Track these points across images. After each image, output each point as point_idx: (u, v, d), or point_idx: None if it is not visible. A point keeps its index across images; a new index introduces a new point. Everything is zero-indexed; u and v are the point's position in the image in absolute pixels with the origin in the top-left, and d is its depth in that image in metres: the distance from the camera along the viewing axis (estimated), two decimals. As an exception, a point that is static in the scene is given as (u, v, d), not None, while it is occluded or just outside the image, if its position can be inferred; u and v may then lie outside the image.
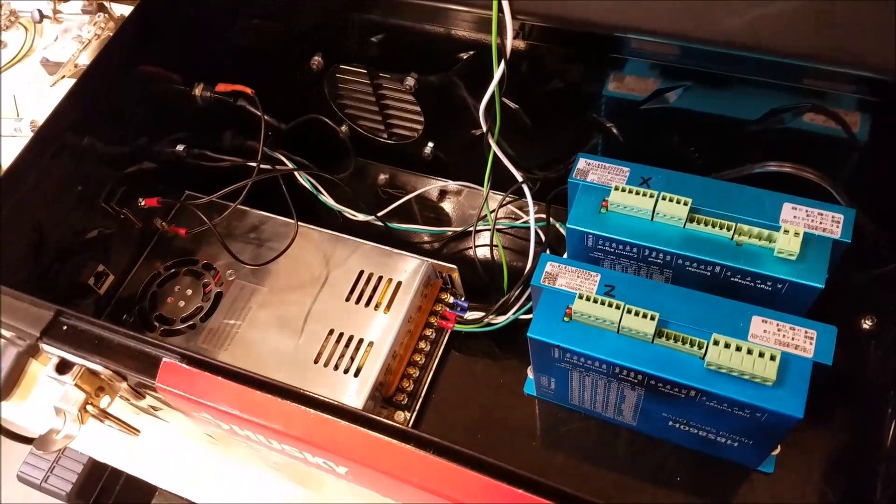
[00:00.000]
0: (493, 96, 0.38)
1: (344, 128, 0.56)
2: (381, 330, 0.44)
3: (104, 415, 0.38)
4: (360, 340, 0.44)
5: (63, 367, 0.36)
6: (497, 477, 0.27)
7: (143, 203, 0.49)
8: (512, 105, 0.45)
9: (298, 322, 0.46)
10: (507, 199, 0.51)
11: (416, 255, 0.47)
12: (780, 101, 0.37)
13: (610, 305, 0.35)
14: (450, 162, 0.55)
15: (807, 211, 0.36)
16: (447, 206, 0.57)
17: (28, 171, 0.41)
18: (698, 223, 0.37)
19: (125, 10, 0.70)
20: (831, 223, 0.35)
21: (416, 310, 0.46)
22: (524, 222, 0.53)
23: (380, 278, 0.47)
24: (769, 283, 0.36)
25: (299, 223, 0.49)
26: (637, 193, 0.37)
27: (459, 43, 0.43)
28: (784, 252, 0.35)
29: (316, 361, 0.44)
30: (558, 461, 0.43)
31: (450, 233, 0.54)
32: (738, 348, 0.33)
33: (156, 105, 0.48)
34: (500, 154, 0.43)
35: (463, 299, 0.49)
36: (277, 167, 0.52)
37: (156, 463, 0.50)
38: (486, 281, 0.51)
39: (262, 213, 0.51)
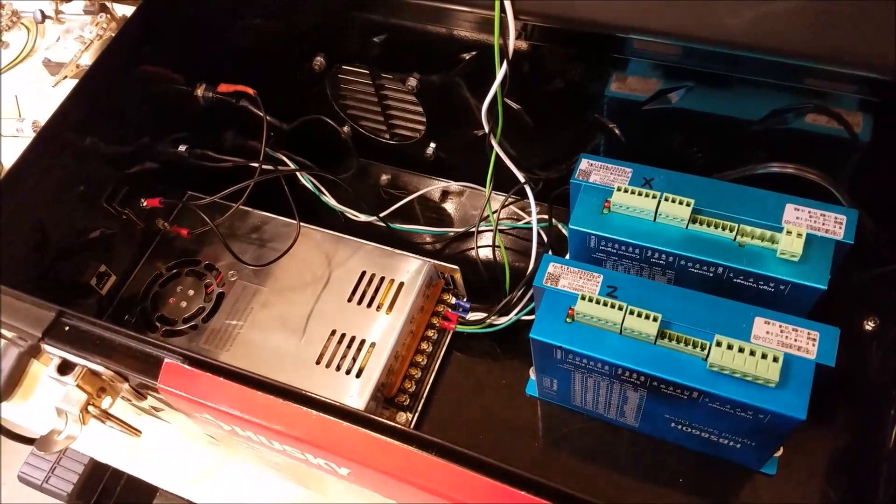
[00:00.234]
0: (495, 97, 0.38)
1: (346, 128, 0.56)
2: (382, 331, 0.44)
3: (105, 415, 0.38)
4: (362, 341, 0.44)
5: (64, 367, 0.36)
6: (499, 478, 0.26)
7: (145, 203, 0.49)
8: (514, 105, 0.45)
9: (300, 323, 0.46)
10: (510, 199, 0.51)
11: (418, 256, 0.47)
12: (783, 102, 0.37)
13: (612, 306, 0.35)
14: (452, 162, 0.55)
15: (809, 212, 0.36)
16: (449, 206, 0.57)
17: (30, 171, 0.41)
18: (701, 224, 0.37)
19: (127, 10, 0.70)
20: (834, 224, 0.35)
21: (418, 310, 0.46)
22: (526, 223, 0.53)
23: (382, 279, 0.47)
24: (771, 284, 0.35)
25: (301, 224, 0.49)
26: (639, 194, 0.37)
27: (461, 43, 0.43)
28: (786, 253, 0.35)
29: (318, 362, 0.44)
30: (560, 462, 0.43)
31: (452, 233, 0.54)
32: (741, 349, 0.33)
33: (158, 105, 0.48)
34: (502, 154, 0.43)
35: (465, 300, 0.49)
36: (279, 167, 0.52)
37: (157, 464, 0.50)
38: (488, 282, 0.51)
39: (264, 213, 0.51)
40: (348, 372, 0.43)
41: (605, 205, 0.38)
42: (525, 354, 0.40)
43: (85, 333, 0.35)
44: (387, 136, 0.56)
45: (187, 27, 0.49)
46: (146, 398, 0.39)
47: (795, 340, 0.33)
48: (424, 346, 0.47)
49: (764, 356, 0.32)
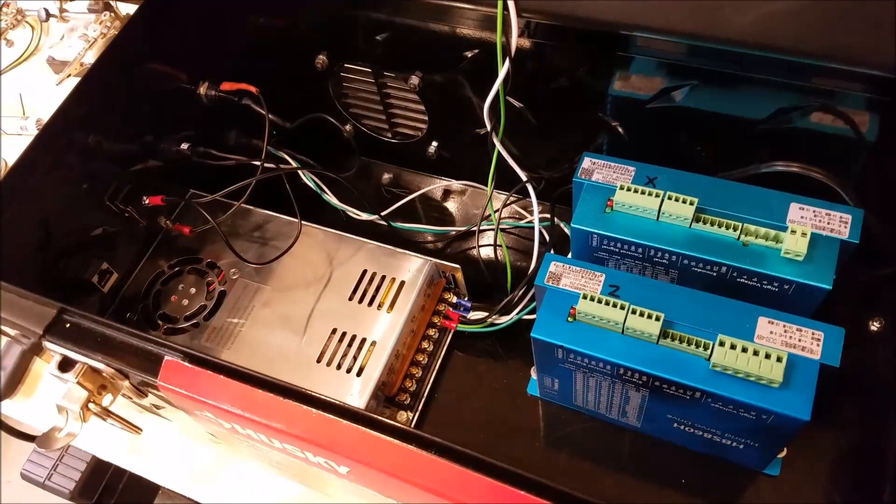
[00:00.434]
0: (497, 95, 0.38)
1: (348, 127, 0.56)
2: (384, 329, 0.44)
3: (106, 413, 0.38)
4: (363, 340, 0.44)
5: (65, 364, 0.36)
6: (499, 478, 0.26)
7: (147, 201, 0.49)
8: (517, 104, 0.45)
9: (301, 321, 0.46)
10: (511, 198, 0.51)
11: (419, 255, 0.47)
12: (788, 100, 0.37)
13: (614, 306, 0.35)
14: (454, 161, 0.55)
15: (814, 211, 0.35)
16: (451, 205, 0.56)
17: (32, 169, 0.42)
18: (704, 223, 0.36)
19: (131, 8, 0.70)
20: (839, 223, 0.35)
21: (419, 309, 0.46)
22: (528, 222, 0.52)
23: (383, 277, 0.46)
24: (776, 284, 0.35)
25: (303, 222, 0.49)
26: (642, 193, 0.37)
27: (464, 41, 0.43)
28: (791, 252, 0.34)
29: (319, 360, 0.44)
30: (561, 462, 0.43)
31: (453, 232, 0.54)
32: (745, 349, 0.32)
33: (160, 103, 0.48)
34: (504, 153, 0.43)
35: (466, 299, 0.48)
36: (281, 166, 0.52)
37: (158, 461, 0.50)
38: (490, 281, 0.51)
39: (266, 211, 0.51)
40: (349, 370, 0.43)
41: (607, 204, 0.38)
42: (526, 354, 0.40)
43: (86, 331, 0.35)
44: (389, 134, 0.56)
45: (190, 25, 0.49)
46: (147, 395, 0.39)
47: (800, 340, 0.33)
48: (425, 345, 0.47)
49: (767, 356, 0.32)
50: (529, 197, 0.46)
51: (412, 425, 0.45)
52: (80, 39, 0.70)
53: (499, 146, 0.42)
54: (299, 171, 0.53)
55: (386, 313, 0.45)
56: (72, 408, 0.36)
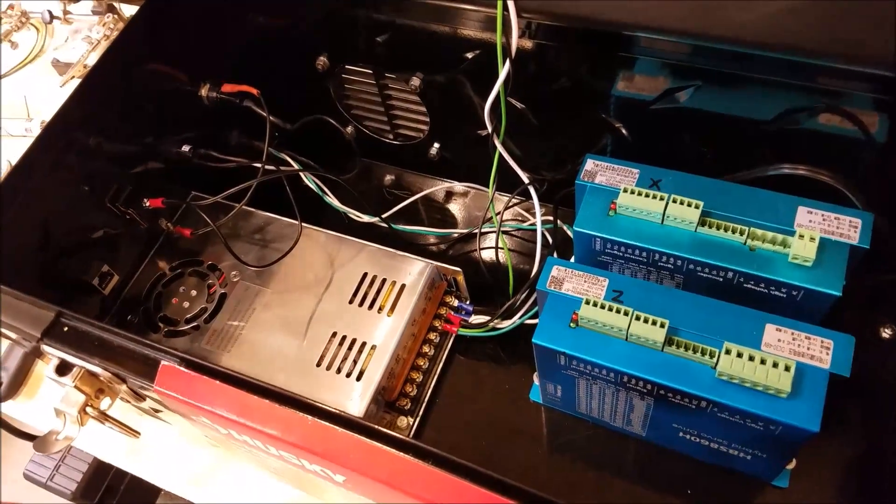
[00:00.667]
0: (498, 96, 0.38)
1: (349, 128, 0.56)
2: (384, 333, 0.44)
3: (104, 417, 0.38)
4: (364, 343, 0.44)
5: (63, 368, 0.36)
6: (497, 490, 0.26)
7: (147, 203, 0.49)
8: (518, 105, 0.45)
9: (302, 324, 0.45)
10: (513, 200, 0.51)
11: (420, 258, 0.46)
12: (795, 101, 0.36)
13: (618, 311, 0.34)
14: (456, 163, 0.54)
15: (822, 215, 0.35)
16: (453, 207, 0.56)
17: (33, 170, 0.41)
18: (710, 227, 0.35)
19: (134, 10, 0.70)
20: (848, 227, 0.34)
21: (420, 313, 0.46)
22: (531, 224, 0.52)
23: (384, 280, 0.46)
24: (783, 290, 0.34)
25: (304, 224, 0.48)
26: (647, 196, 0.36)
27: (465, 42, 0.43)
28: (799, 257, 0.34)
29: (319, 364, 0.44)
30: (564, 470, 0.42)
31: (455, 235, 0.54)
32: (751, 358, 0.31)
33: (161, 105, 0.48)
34: (505, 155, 0.42)
35: (468, 303, 0.48)
36: (282, 168, 0.52)
37: (158, 464, 0.49)
38: (492, 284, 0.50)
39: (267, 213, 0.51)
40: (349, 375, 0.43)
41: (611, 206, 0.37)
42: (529, 359, 0.39)
43: (83, 334, 0.34)
44: (390, 136, 0.55)
45: (190, 26, 0.49)
46: (145, 399, 0.39)
47: (808, 349, 0.32)
48: (426, 349, 0.46)
49: (775, 365, 0.31)
50: (532, 199, 0.45)
51: (412, 430, 0.44)
52: (83, 41, 0.70)
53: (500, 148, 0.42)
54: (300, 174, 0.53)
55: (387, 317, 0.45)
56: (69, 411, 0.36)
